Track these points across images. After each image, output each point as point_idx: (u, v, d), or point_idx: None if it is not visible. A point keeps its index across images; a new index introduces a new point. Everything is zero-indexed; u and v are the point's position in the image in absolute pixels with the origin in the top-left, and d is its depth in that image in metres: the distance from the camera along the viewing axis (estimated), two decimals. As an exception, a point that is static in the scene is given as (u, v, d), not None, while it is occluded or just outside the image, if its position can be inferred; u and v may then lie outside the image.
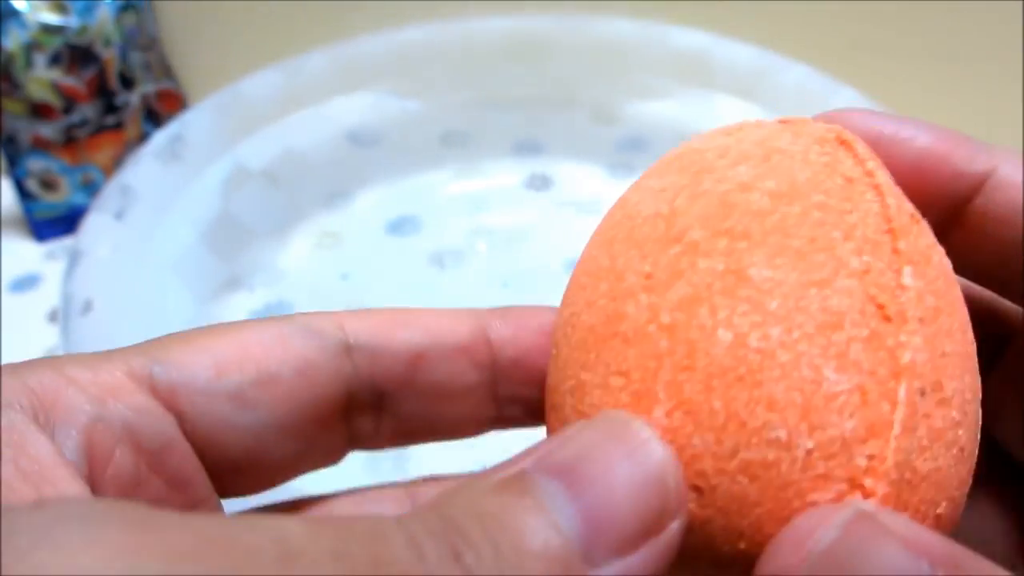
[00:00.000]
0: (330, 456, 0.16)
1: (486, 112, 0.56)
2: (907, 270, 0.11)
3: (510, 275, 0.48)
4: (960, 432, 0.10)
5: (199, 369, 0.13)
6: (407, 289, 0.47)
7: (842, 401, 0.10)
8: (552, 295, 0.52)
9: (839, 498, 0.10)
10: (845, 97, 0.45)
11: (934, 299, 0.11)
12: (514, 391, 0.15)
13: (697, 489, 0.10)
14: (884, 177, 0.12)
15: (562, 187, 0.54)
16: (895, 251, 0.11)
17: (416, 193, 0.54)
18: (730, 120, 0.52)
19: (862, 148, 0.12)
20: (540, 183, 0.54)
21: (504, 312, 0.15)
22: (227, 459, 0.14)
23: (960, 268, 0.12)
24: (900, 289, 0.10)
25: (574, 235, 0.51)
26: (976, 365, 0.11)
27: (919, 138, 0.13)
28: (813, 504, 0.10)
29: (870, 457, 0.10)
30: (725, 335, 0.10)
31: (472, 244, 0.50)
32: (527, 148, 0.57)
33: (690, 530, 0.10)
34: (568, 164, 0.55)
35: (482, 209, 0.52)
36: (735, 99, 0.50)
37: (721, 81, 0.50)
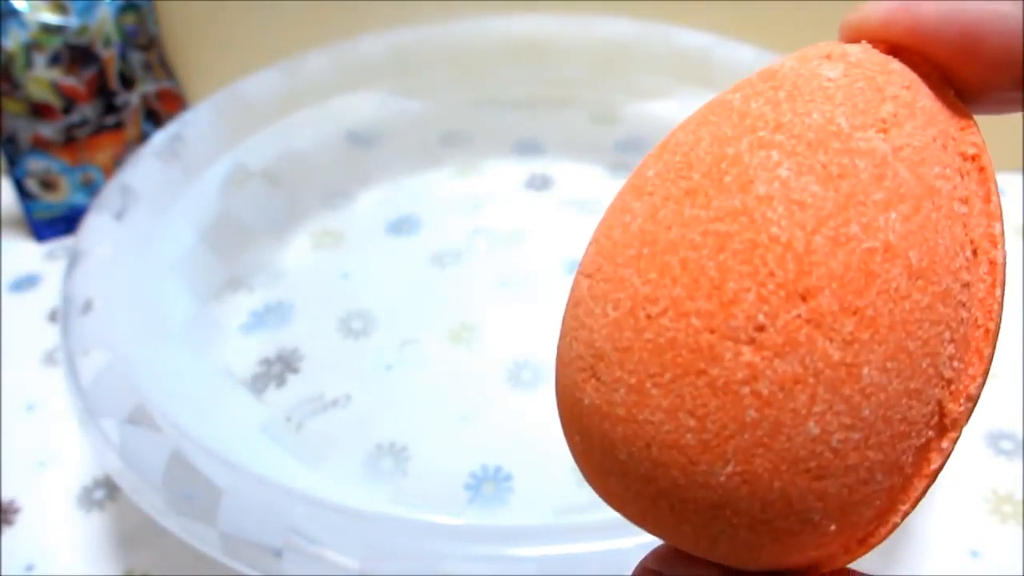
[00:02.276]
0: None
1: (486, 112, 0.56)
2: (978, 381, 0.11)
3: (510, 275, 0.48)
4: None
5: None
6: (407, 289, 0.47)
7: (875, 498, 0.11)
8: (552, 295, 0.52)
9: (828, 561, 0.11)
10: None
11: (983, 381, 0.11)
12: None
13: (724, 533, 0.11)
14: (1001, 247, 0.11)
15: (562, 187, 0.54)
16: (979, 356, 0.11)
17: (416, 193, 0.54)
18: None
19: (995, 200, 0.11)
20: (540, 183, 0.54)
21: None
22: None
23: None
24: (967, 400, 0.11)
25: (574, 235, 0.52)
26: None
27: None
28: (813, 563, 0.11)
29: (868, 535, 0.11)
30: (813, 429, 0.10)
31: (472, 244, 0.50)
32: (527, 148, 0.57)
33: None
34: (568, 164, 0.55)
35: (482, 209, 0.52)
36: (735, 99, 0.50)
37: (721, 81, 0.50)
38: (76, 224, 0.44)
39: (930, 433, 0.11)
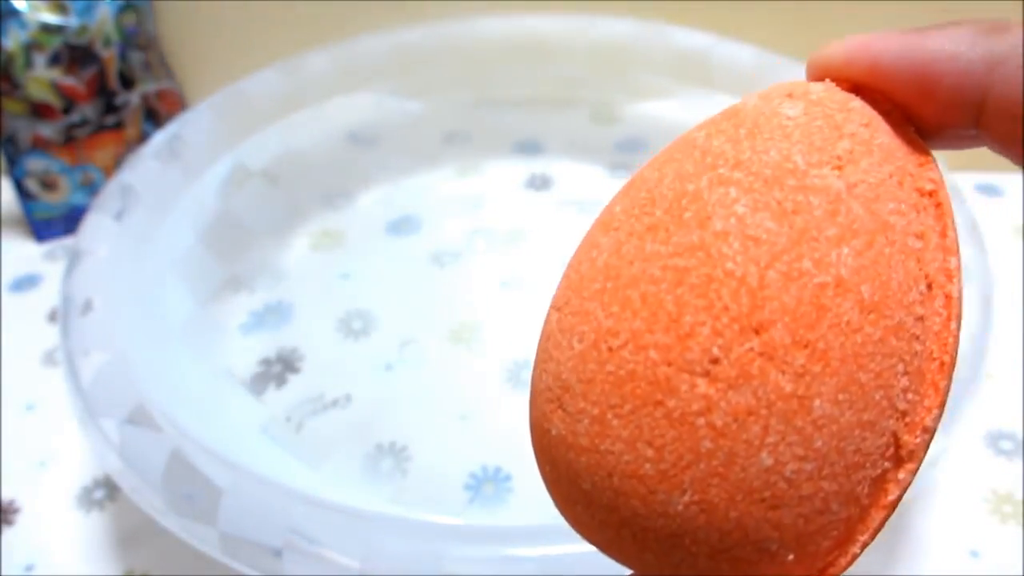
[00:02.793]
0: None
1: (486, 112, 0.56)
2: (934, 413, 0.11)
3: (509, 275, 0.48)
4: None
5: None
6: (407, 289, 0.47)
7: (832, 527, 0.11)
8: (551, 295, 0.52)
9: None
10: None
11: (938, 415, 0.11)
12: None
13: (684, 561, 0.11)
14: (957, 282, 0.11)
15: (562, 187, 0.54)
16: (935, 389, 0.11)
17: (416, 193, 0.54)
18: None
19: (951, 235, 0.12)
20: (540, 183, 0.54)
21: None
22: None
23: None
24: (923, 432, 0.11)
25: (574, 235, 0.52)
26: None
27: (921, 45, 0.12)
28: None
29: (828, 564, 0.11)
30: (767, 459, 0.10)
31: (472, 244, 0.50)
32: (527, 148, 0.57)
33: None
34: (568, 164, 0.55)
35: (482, 209, 0.52)
36: (735, 99, 0.50)
37: (721, 81, 0.50)
38: (76, 224, 0.44)
39: (886, 464, 0.11)
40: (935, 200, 0.12)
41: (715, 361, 0.10)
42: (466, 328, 0.45)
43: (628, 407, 0.11)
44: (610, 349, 0.11)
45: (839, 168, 0.11)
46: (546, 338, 0.13)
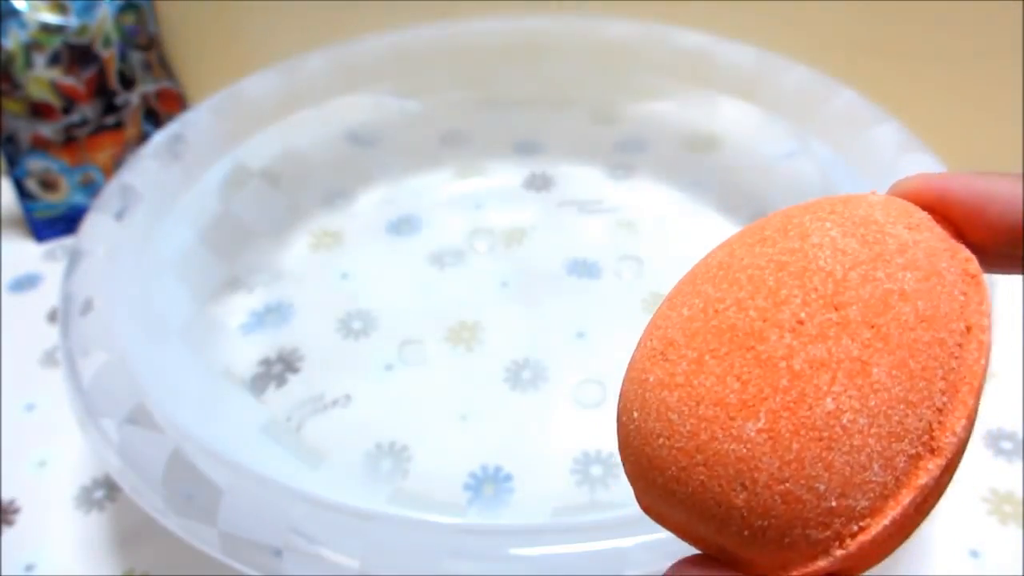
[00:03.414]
0: None
1: (486, 112, 0.56)
2: (963, 423, 0.13)
3: (510, 275, 0.48)
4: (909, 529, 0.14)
5: None
6: (407, 289, 0.47)
7: (871, 488, 0.13)
8: (552, 295, 0.52)
9: (825, 543, 0.13)
10: (845, 98, 0.45)
11: (964, 433, 0.14)
12: None
13: (744, 487, 0.13)
14: (989, 337, 0.14)
15: (562, 187, 0.54)
16: (964, 405, 0.14)
17: (416, 193, 0.54)
18: (730, 120, 0.52)
19: (985, 293, 0.15)
20: (540, 183, 0.54)
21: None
22: None
23: None
24: (952, 435, 0.13)
25: (574, 235, 0.52)
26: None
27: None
28: (807, 538, 0.13)
29: (861, 529, 0.13)
30: (830, 404, 0.13)
31: (472, 244, 0.50)
32: (527, 148, 0.57)
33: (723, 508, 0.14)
34: (568, 164, 0.55)
35: (482, 209, 0.52)
36: (735, 99, 0.50)
37: (721, 82, 0.50)
38: (76, 224, 0.44)
39: (920, 448, 0.13)
40: (976, 280, 0.14)
41: (800, 323, 0.13)
42: (466, 328, 0.45)
43: (724, 350, 0.14)
44: (716, 311, 0.14)
45: (908, 228, 0.15)
46: (655, 316, 0.16)
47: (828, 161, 0.46)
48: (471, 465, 0.38)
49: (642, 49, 0.52)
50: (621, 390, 0.15)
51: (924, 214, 0.15)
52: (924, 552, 0.35)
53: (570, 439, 0.39)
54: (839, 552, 0.13)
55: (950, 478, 0.14)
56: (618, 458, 0.38)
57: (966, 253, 0.15)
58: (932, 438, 0.13)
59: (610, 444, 0.39)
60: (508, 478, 0.37)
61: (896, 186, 0.16)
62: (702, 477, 0.13)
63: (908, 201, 0.16)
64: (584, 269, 0.48)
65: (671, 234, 0.50)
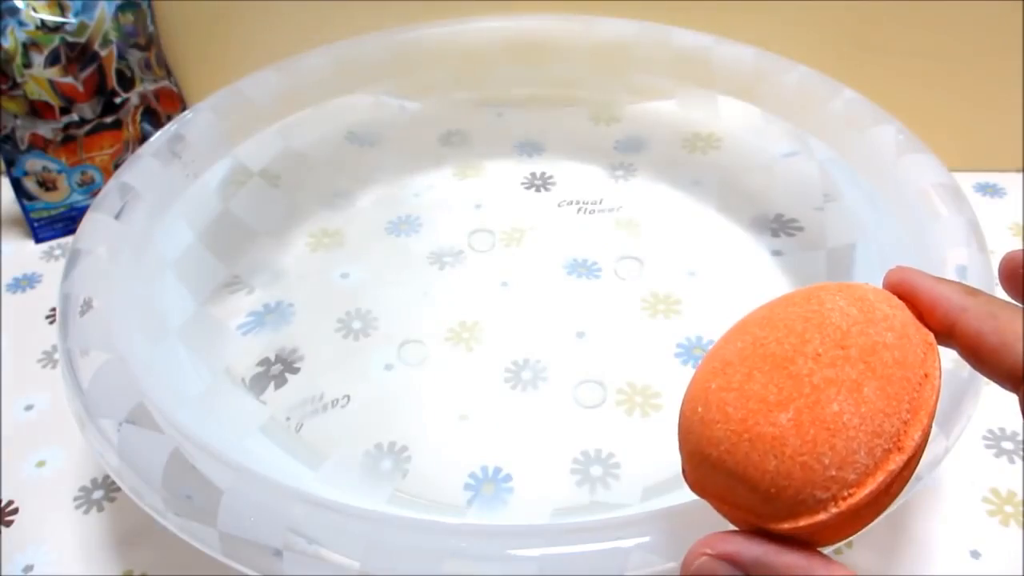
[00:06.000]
0: None
1: (486, 112, 0.56)
2: (919, 433, 0.20)
3: (510, 275, 0.48)
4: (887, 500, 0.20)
5: None
6: (407, 289, 0.47)
7: (858, 467, 0.19)
8: (552, 295, 0.52)
9: (825, 503, 0.19)
10: (845, 98, 0.45)
11: (921, 441, 0.20)
12: None
13: (775, 456, 0.19)
14: (938, 383, 0.21)
15: (562, 187, 0.54)
16: (920, 424, 0.20)
17: (416, 193, 0.54)
18: (730, 120, 0.52)
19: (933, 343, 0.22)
20: (540, 183, 0.54)
21: None
22: None
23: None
24: (911, 440, 0.19)
25: (574, 235, 0.52)
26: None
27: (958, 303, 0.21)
28: (814, 496, 0.19)
29: (850, 495, 0.19)
30: (835, 407, 0.19)
31: (472, 244, 0.50)
32: (527, 148, 0.57)
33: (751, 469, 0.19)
34: (568, 164, 0.55)
35: (482, 209, 0.52)
36: (735, 99, 0.50)
37: (721, 82, 0.50)
38: (75, 224, 0.44)
39: (891, 445, 0.19)
40: (932, 346, 0.21)
41: (818, 355, 0.20)
42: (466, 328, 0.45)
43: (767, 367, 0.20)
44: (761, 344, 0.21)
45: (889, 307, 0.21)
46: (713, 348, 0.22)
47: (828, 161, 0.46)
48: (471, 465, 0.38)
49: (642, 49, 0.52)
50: (686, 395, 0.21)
51: (899, 301, 0.22)
52: (925, 552, 0.35)
53: (570, 439, 0.39)
54: (834, 510, 0.19)
55: (911, 473, 0.20)
56: (618, 458, 0.38)
57: (925, 330, 0.21)
58: (899, 440, 0.19)
59: (610, 444, 0.39)
60: (508, 478, 0.37)
61: (884, 278, 0.23)
62: (746, 449, 0.19)
63: (889, 291, 0.22)
64: (584, 269, 0.48)
65: (671, 234, 0.50)
